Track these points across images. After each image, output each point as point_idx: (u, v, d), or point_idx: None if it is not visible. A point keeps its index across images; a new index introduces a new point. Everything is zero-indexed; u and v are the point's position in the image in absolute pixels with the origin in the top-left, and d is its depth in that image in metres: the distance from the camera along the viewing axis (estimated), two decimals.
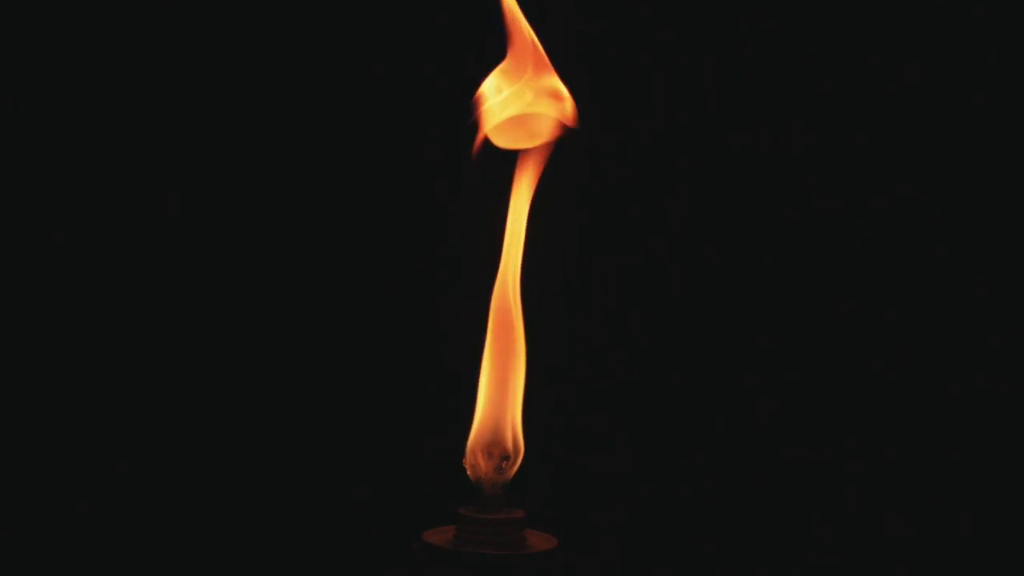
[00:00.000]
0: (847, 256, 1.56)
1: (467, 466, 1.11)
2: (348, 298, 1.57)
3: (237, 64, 1.53)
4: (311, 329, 1.57)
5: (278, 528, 1.54)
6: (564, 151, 1.18)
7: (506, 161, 1.18)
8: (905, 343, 1.55)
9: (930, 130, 1.54)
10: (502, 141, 1.17)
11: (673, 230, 1.57)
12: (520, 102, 1.17)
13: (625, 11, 1.55)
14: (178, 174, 1.54)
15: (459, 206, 1.52)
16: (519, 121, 1.18)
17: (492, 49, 1.20)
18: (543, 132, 1.17)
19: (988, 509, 1.55)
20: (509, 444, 1.12)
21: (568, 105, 1.17)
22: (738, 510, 1.57)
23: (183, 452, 1.54)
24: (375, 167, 1.56)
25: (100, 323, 1.52)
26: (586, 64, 1.42)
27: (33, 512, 1.50)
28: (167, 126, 1.53)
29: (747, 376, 1.57)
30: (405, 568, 1.08)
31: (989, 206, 1.54)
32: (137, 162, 1.53)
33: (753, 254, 1.57)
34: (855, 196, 1.55)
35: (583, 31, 1.51)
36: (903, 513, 1.55)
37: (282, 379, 1.56)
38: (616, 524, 1.56)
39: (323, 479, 1.55)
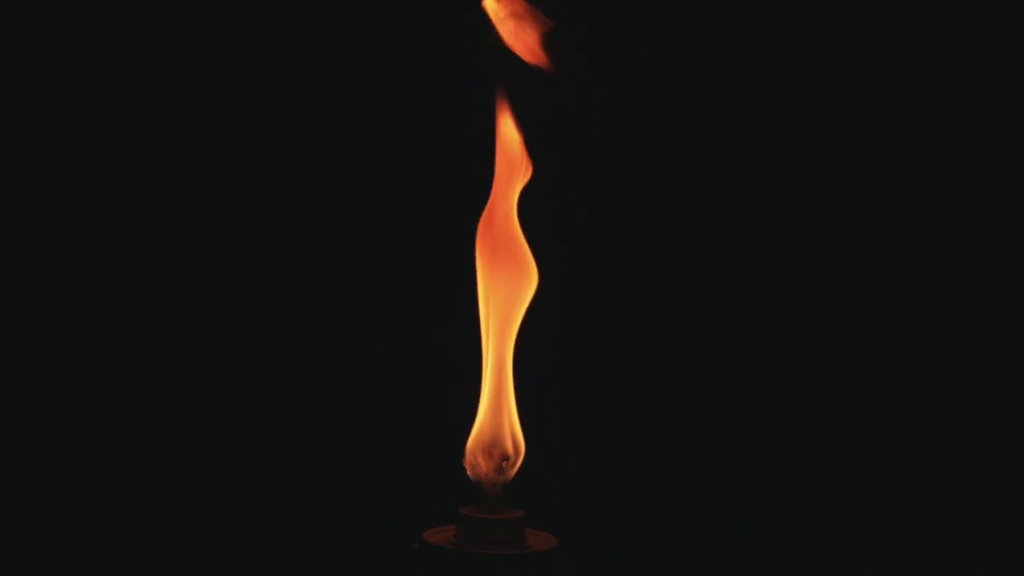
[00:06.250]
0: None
1: (467, 466, 1.11)
2: (348, 298, 1.57)
3: (238, 64, 1.54)
4: (312, 329, 1.57)
5: (278, 528, 1.54)
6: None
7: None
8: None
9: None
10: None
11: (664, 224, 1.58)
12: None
13: None
14: (179, 175, 1.54)
15: (460, 205, 1.52)
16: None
17: (490, 51, 1.20)
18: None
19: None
20: (509, 445, 1.12)
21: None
22: (738, 508, 1.57)
23: (184, 452, 1.54)
24: (376, 167, 1.56)
25: (100, 323, 1.53)
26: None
27: (33, 512, 1.50)
28: (168, 127, 1.53)
29: (747, 371, 1.58)
30: (405, 568, 1.08)
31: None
32: (138, 163, 1.53)
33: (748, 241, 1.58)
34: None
35: None
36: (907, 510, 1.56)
37: (283, 379, 1.56)
38: (616, 524, 1.56)
39: (324, 479, 1.55)
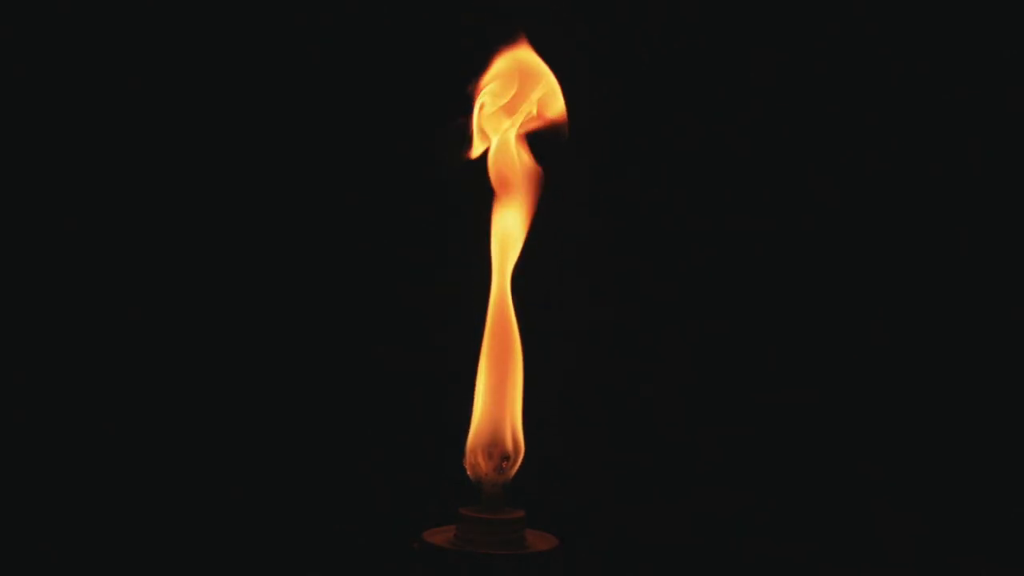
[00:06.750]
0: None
1: (467, 466, 1.11)
2: (349, 298, 1.57)
3: (238, 64, 1.54)
4: (312, 329, 1.57)
5: (279, 528, 1.54)
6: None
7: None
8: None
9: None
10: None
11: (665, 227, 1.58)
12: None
13: None
14: (179, 175, 1.54)
15: (460, 205, 1.52)
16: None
17: (490, 53, 1.20)
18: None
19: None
20: (509, 444, 1.12)
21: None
22: (738, 508, 1.57)
23: (184, 452, 1.54)
24: (376, 167, 1.56)
25: (100, 323, 1.53)
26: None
27: (33, 512, 1.50)
28: (168, 127, 1.54)
29: (747, 371, 1.58)
30: (405, 568, 1.08)
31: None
32: (138, 163, 1.53)
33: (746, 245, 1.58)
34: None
35: None
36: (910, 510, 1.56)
37: (283, 379, 1.56)
38: (616, 524, 1.56)
39: (324, 479, 1.55)
